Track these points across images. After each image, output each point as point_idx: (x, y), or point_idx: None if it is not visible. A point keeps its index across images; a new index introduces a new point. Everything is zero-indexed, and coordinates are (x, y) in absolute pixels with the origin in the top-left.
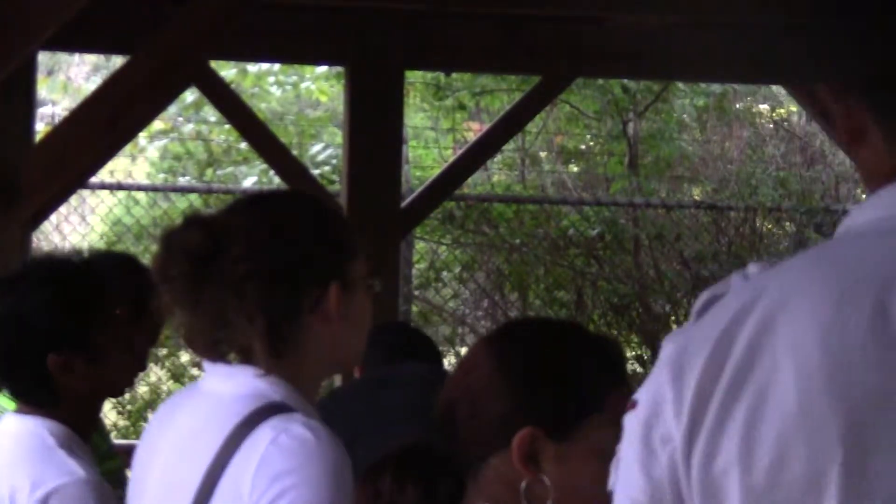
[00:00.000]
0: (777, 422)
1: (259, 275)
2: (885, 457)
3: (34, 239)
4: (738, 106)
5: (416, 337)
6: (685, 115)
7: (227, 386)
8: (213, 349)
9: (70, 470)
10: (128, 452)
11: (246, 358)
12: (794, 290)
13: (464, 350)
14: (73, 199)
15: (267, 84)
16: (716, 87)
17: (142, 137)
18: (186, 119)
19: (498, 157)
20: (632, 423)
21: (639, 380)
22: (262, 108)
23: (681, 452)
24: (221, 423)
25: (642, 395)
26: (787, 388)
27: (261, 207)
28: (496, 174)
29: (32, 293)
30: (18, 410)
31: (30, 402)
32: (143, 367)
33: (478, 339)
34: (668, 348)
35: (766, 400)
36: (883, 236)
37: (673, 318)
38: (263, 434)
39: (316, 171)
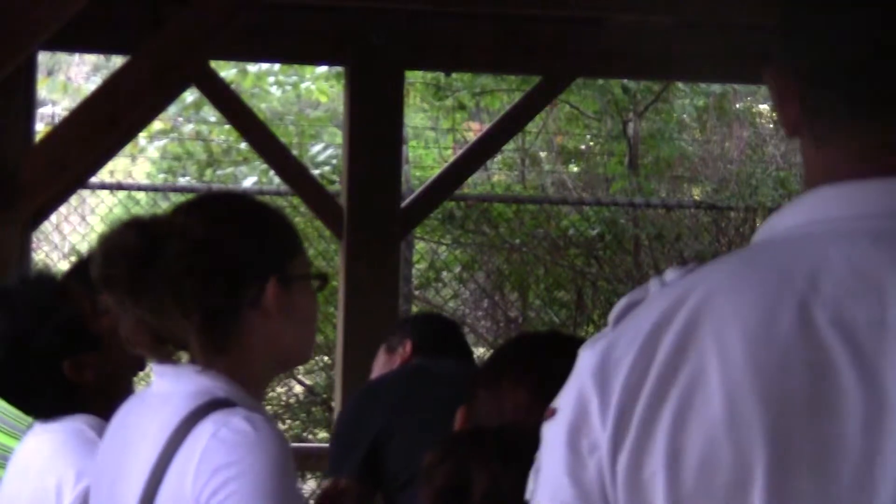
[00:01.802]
0: (704, 425)
1: (195, 272)
2: (809, 463)
3: (34, 239)
4: (737, 106)
5: (456, 334)
6: (685, 115)
7: (175, 385)
8: (160, 350)
9: None
10: None
11: (191, 356)
12: (719, 292)
13: None
14: (73, 199)
15: (267, 84)
16: (716, 87)
17: (142, 137)
18: (186, 119)
19: (498, 157)
20: (553, 430)
21: None
22: (262, 108)
23: (607, 459)
24: (167, 421)
25: (562, 402)
26: (713, 390)
27: (199, 207)
28: (496, 174)
29: (25, 317)
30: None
31: (59, 416)
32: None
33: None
34: (585, 356)
35: (692, 402)
36: (803, 241)
37: None
38: (205, 429)
39: (316, 172)
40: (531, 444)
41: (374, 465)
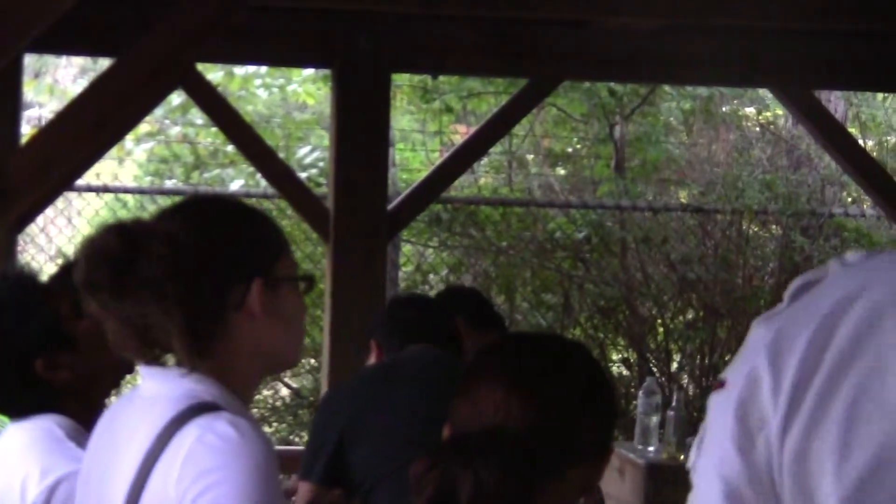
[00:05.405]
0: (881, 418)
1: (178, 274)
2: None
3: (20, 241)
4: (724, 109)
5: (433, 314)
6: (672, 119)
7: (161, 388)
8: (146, 352)
9: (79, 458)
10: None
11: (177, 359)
12: None
13: None
14: (60, 202)
15: (254, 87)
16: (702, 91)
17: (128, 140)
18: (173, 122)
19: (485, 160)
20: (721, 402)
21: (625, 383)
22: (248, 110)
23: (776, 441)
24: (152, 424)
25: (732, 374)
26: (893, 385)
27: (182, 210)
28: (483, 177)
29: (3, 313)
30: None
31: (30, 414)
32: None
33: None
34: (759, 331)
35: (867, 399)
36: None
37: (659, 320)
38: (189, 432)
39: (303, 174)
40: (510, 441)
41: (340, 470)
